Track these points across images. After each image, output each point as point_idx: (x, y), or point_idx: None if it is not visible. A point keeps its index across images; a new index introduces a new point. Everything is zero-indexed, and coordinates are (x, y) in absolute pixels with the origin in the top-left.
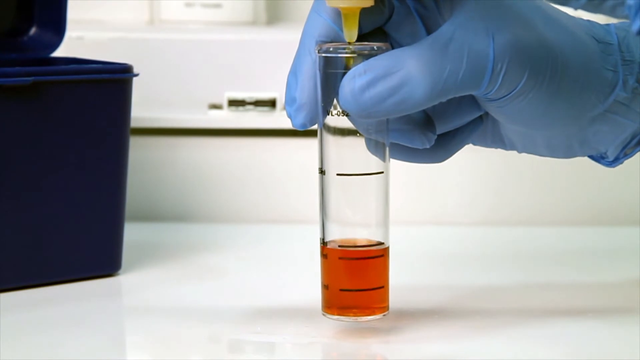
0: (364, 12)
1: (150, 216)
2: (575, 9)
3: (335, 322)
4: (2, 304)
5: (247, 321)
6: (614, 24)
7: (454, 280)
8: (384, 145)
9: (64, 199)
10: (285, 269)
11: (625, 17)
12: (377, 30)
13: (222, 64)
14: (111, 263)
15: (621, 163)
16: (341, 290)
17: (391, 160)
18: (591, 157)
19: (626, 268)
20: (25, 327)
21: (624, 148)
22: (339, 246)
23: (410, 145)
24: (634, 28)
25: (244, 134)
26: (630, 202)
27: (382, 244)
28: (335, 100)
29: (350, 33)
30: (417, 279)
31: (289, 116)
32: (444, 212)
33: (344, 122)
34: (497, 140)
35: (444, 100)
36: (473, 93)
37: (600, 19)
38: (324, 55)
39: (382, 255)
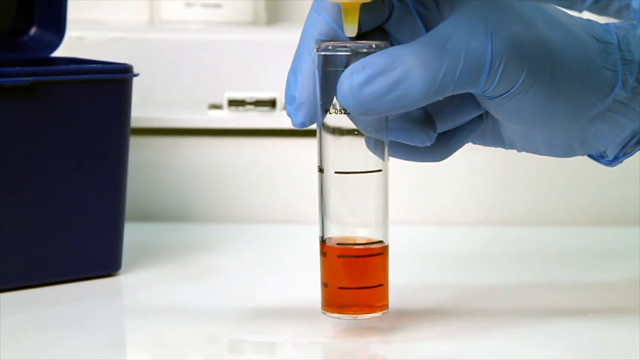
0: (364, 10)
1: (150, 216)
2: (580, 11)
3: (335, 321)
4: (2, 304)
5: (247, 321)
6: (614, 23)
7: (454, 280)
8: (383, 143)
9: (64, 199)
10: (285, 269)
11: (631, 20)
12: (377, 29)
13: (222, 64)
14: (111, 263)
15: (621, 162)
16: (339, 288)
17: (391, 159)
18: (590, 156)
19: (626, 268)
20: (25, 327)
21: (623, 147)
22: (338, 244)
23: (410, 144)
24: None
25: (244, 134)
26: (630, 202)
27: (381, 242)
28: (334, 99)
29: (351, 28)
30: (416, 278)
31: (289, 115)
32: (443, 212)
33: (343, 121)
34: (497, 139)
35: (441, 97)
36: (471, 91)
37: (603, 20)
38: (322, 53)
39: (381, 254)
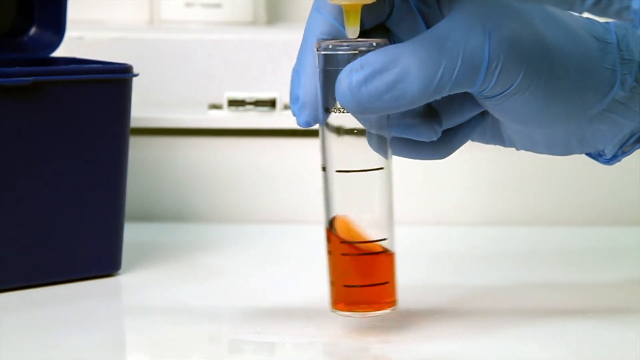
0: (365, 8)
1: (150, 216)
2: (580, 13)
3: (335, 321)
4: (2, 304)
5: (247, 321)
6: (614, 22)
7: (454, 280)
8: (385, 141)
9: (63, 199)
10: (285, 269)
11: (631, 21)
12: (378, 27)
13: (222, 64)
14: (111, 263)
15: (619, 161)
16: (345, 286)
17: (393, 158)
18: (589, 154)
19: (626, 268)
20: (25, 327)
21: (622, 146)
22: (342, 242)
23: (416, 139)
24: None
25: (243, 134)
26: (630, 202)
27: (386, 239)
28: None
29: (353, 30)
30: (416, 279)
31: (294, 114)
32: (443, 212)
33: (345, 120)
34: (496, 137)
35: (438, 97)
36: (468, 90)
37: (603, 21)
38: (322, 52)
39: (385, 251)
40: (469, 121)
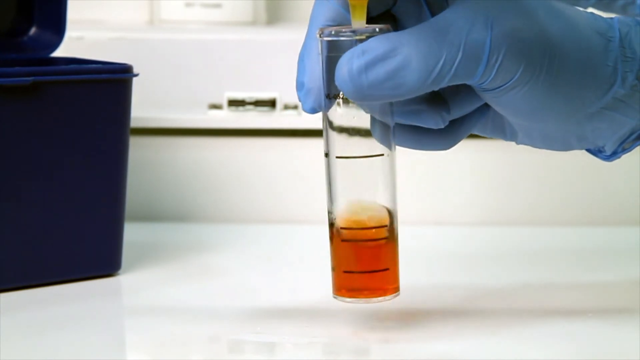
0: None
1: (150, 216)
2: (585, 8)
3: (334, 321)
4: (2, 304)
5: (247, 321)
6: (617, 18)
7: (454, 280)
8: (389, 130)
9: (63, 199)
10: (285, 269)
11: (637, 17)
12: (384, 14)
13: (222, 64)
14: (111, 263)
15: (619, 157)
16: (345, 272)
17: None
18: (589, 150)
19: (626, 268)
20: (25, 327)
21: (622, 143)
22: (342, 228)
23: (423, 125)
24: None
25: (243, 134)
26: (630, 202)
27: (386, 226)
28: None
29: (359, 24)
30: (417, 279)
31: (299, 100)
32: (444, 213)
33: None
34: (497, 129)
35: (436, 88)
36: (467, 82)
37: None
38: (325, 39)
39: (386, 237)
40: (474, 111)
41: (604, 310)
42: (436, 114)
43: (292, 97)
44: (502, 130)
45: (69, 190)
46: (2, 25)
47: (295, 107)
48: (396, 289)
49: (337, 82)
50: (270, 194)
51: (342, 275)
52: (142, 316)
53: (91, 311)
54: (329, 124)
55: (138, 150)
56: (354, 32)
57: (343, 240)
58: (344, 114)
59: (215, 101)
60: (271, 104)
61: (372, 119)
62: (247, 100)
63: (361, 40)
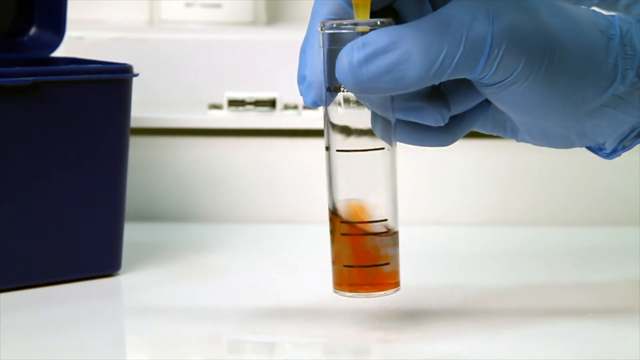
0: None
1: (150, 216)
2: (589, 7)
3: (334, 321)
4: (2, 304)
5: (247, 321)
6: (619, 16)
7: (454, 280)
8: (390, 126)
9: (63, 199)
10: (285, 269)
11: (638, 16)
12: (386, 9)
13: (222, 64)
14: (111, 263)
15: (619, 155)
16: (345, 266)
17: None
18: (589, 148)
19: (626, 268)
20: (25, 327)
21: (622, 140)
22: (342, 222)
23: (423, 122)
24: None
25: (243, 134)
26: (630, 202)
27: (386, 220)
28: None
29: None
30: (417, 279)
31: (301, 94)
32: (444, 212)
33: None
34: (498, 126)
35: (437, 82)
36: (467, 77)
37: None
38: (327, 32)
39: (385, 232)
40: (475, 108)
41: (604, 310)
42: (435, 112)
43: (292, 97)
44: (503, 127)
45: (69, 190)
46: (2, 25)
47: (295, 107)
48: (397, 284)
49: (337, 74)
50: (270, 194)
51: (342, 269)
52: (142, 316)
53: (91, 311)
54: (330, 118)
55: (138, 150)
56: (355, 24)
57: (343, 234)
58: (344, 114)
59: (215, 101)
60: (271, 104)
61: (373, 115)
62: (247, 100)
63: (362, 33)
